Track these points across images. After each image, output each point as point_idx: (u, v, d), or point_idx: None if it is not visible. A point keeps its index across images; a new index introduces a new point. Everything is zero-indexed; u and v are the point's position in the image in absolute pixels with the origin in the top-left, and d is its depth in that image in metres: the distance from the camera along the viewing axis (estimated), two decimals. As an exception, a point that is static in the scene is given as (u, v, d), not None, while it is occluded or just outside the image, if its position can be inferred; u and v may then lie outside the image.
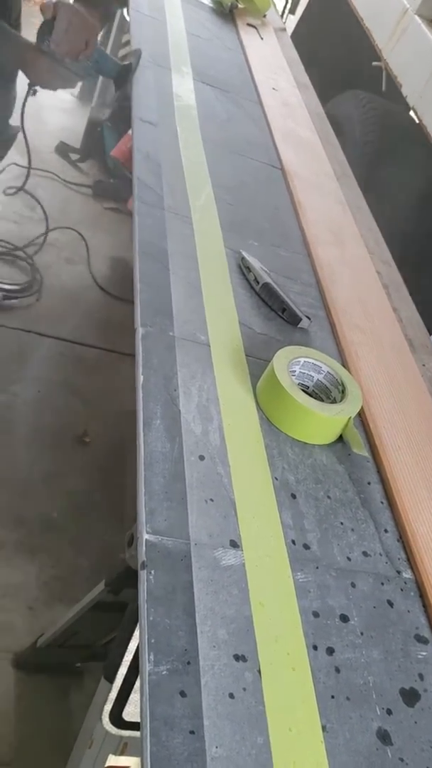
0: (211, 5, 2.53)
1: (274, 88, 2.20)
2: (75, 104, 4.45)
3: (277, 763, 0.68)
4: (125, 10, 3.48)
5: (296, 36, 3.38)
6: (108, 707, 1.04)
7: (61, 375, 2.65)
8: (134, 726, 1.06)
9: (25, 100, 1.85)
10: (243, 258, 1.33)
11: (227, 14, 2.54)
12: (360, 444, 1.04)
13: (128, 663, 1.02)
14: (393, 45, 2.43)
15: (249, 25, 2.57)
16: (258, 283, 1.28)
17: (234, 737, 0.68)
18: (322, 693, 0.75)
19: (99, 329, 2.93)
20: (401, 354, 1.34)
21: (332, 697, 0.76)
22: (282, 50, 2.54)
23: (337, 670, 0.78)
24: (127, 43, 3.61)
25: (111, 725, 1.05)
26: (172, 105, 1.79)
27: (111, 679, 1.03)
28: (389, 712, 0.77)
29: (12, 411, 2.40)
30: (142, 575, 0.77)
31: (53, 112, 4.23)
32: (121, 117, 3.46)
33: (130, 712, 1.05)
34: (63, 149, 3.85)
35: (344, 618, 0.84)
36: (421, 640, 0.86)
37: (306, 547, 0.90)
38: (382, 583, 0.91)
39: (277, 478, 0.96)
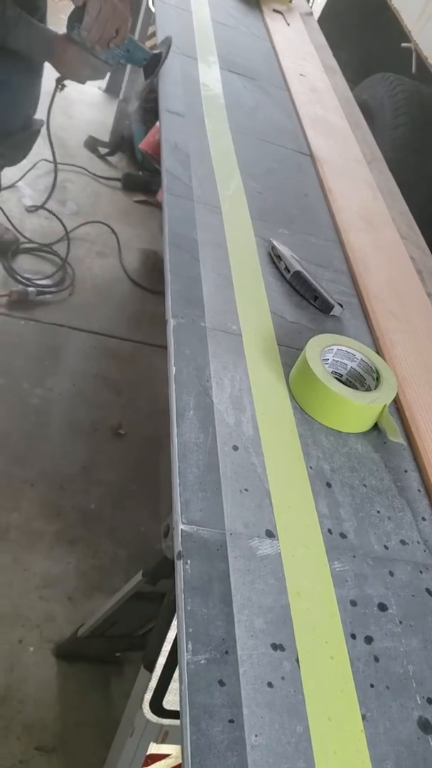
0: (236, -8, 2.51)
1: (301, 74, 2.18)
2: (103, 98, 4.46)
3: (317, 752, 0.68)
4: (150, 1, 3.48)
5: (323, 20, 3.33)
6: (148, 696, 1.05)
7: (96, 368, 2.67)
8: (174, 714, 1.07)
9: (54, 96, 1.84)
10: (273, 246, 1.32)
11: (253, 1, 2.51)
12: (396, 431, 1.03)
13: (167, 653, 1.02)
14: (423, 25, 2.38)
15: (275, 11, 2.55)
16: (289, 271, 1.28)
17: (273, 726, 0.68)
18: (361, 682, 0.75)
19: (132, 322, 2.95)
20: (436, 340, 1.32)
21: (371, 686, 0.75)
22: (309, 35, 2.51)
23: (376, 659, 0.78)
24: (153, 34, 3.60)
25: (151, 714, 1.06)
26: (199, 95, 1.79)
27: (150, 669, 1.04)
28: (430, 701, 0.76)
29: (48, 404, 2.43)
30: (179, 565, 0.77)
31: (81, 106, 4.24)
32: (150, 109, 3.46)
33: (170, 701, 1.06)
34: (92, 143, 3.86)
35: (382, 607, 0.83)
36: (461, 628, 0.85)
37: (342, 536, 0.89)
38: (421, 572, 0.90)
39: (311, 467, 0.96)
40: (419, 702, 0.76)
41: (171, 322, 1.07)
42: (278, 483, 0.91)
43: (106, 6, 1.61)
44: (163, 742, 1.11)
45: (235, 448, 0.93)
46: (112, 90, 4.45)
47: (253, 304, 1.19)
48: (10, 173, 3.28)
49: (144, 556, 2.13)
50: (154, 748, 1.12)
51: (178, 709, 1.05)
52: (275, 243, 1.33)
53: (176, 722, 1.08)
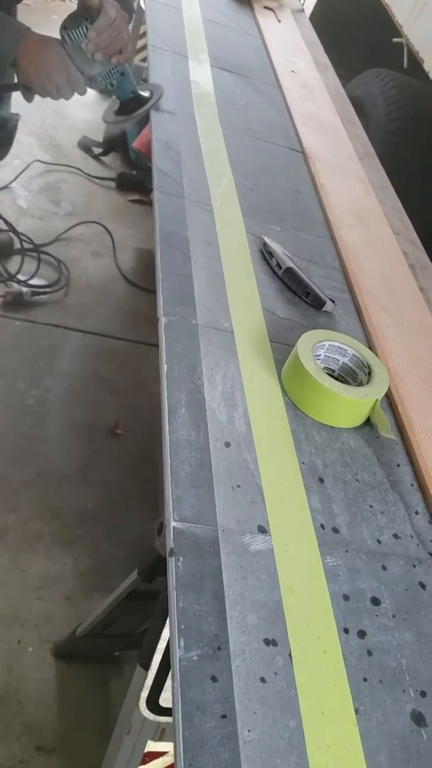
0: (227, -10, 2.51)
1: (293, 71, 2.18)
2: (95, 98, 4.46)
3: (310, 747, 0.68)
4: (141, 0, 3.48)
5: (315, 16, 3.33)
6: (144, 694, 1.05)
7: (92, 368, 2.67)
8: (170, 712, 1.07)
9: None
10: (265, 243, 1.32)
11: (244, -2, 2.52)
12: (387, 426, 1.03)
13: (162, 650, 1.02)
14: (414, 20, 2.38)
15: (266, 7, 2.55)
16: (281, 268, 1.28)
17: (266, 721, 0.68)
18: (354, 676, 0.75)
19: (127, 321, 2.95)
20: (429, 335, 1.32)
21: (365, 680, 0.75)
22: (300, 31, 2.51)
23: (369, 653, 0.78)
24: (144, 34, 3.59)
25: (148, 711, 1.06)
26: (190, 93, 1.79)
27: (146, 667, 1.04)
28: (423, 694, 0.77)
29: (45, 405, 2.43)
30: (171, 562, 0.77)
31: (74, 106, 4.23)
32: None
33: (167, 699, 1.06)
34: (85, 143, 3.86)
35: (375, 601, 0.84)
36: (454, 621, 0.86)
37: (335, 530, 0.89)
38: (414, 566, 0.90)
39: (304, 463, 0.96)
40: (412, 695, 0.76)
41: (162, 320, 1.07)
42: (270, 479, 0.91)
43: (121, 16, 1.44)
44: (160, 739, 1.11)
45: (227, 444, 0.93)
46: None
47: (244, 301, 1.19)
48: (5, 174, 3.29)
49: (140, 554, 2.14)
50: (151, 746, 1.12)
51: (174, 706, 1.05)
52: (267, 240, 1.33)
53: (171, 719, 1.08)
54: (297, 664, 0.74)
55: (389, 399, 1.14)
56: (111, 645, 1.70)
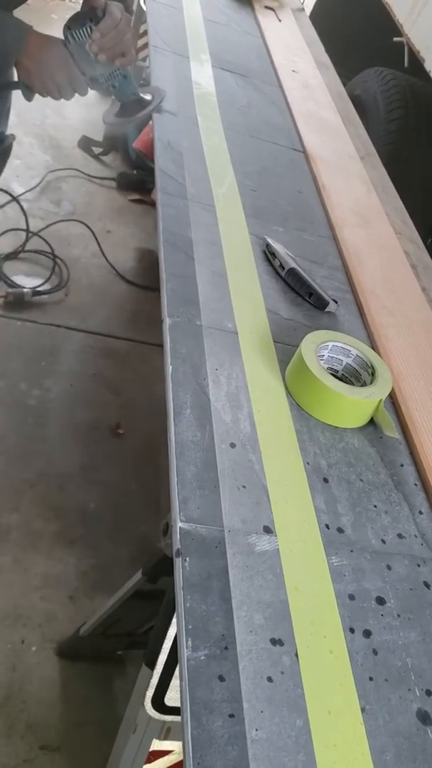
0: (227, -10, 2.51)
1: (293, 71, 2.18)
2: (95, 97, 4.46)
3: (317, 745, 0.68)
4: (141, 0, 3.48)
5: (314, 15, 3.33)
6: (150, 693, 1.06)
7: (93, 368, 2.68)
8: (176, 711, 1.08)
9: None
10: (268, 244, 1.33)
11: (244, -2, 2.52)
12: (392, 426, 1.03)
13: (168, 650, 1.03)
14: (414, 19, 2.39)
15: (266, 7, 2.55)
16: (283, 268, 1.28)
17: (273, 720, 0.69)
18: (360, 675, 0.76)
19: (128, 321, 2.95)
20: (431, 334, 1.33)
21: (370, 679, 0.76)
22: (301, 31, 2.51)
23: (375, 653, 0.78)
24: (144, 33, 3.59)
25: (153, 711, 1.06)
26: (192, 93, 1.79)
27: (152, 666, 1.04)
28: (428, 693, 0.77)
29: (46, 405, 2.43)
30: (178, 562, 0.78)
31: (74, 106, 4.23)
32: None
33: (172, 698, 1.07)
34: (86, 143, 3.86)
35: (380, 600, 0.84)
36: (459, 620, 0.86)
37: (340, 530, 0.90)
38: (418, 565, 0.90)
39: (308, 463, 0.96)
40: (418, 694, 0.76)
41: (167, 321, 1.08)
42: (276, 479, 0.91)
43: (125, 18, 1.42)
44: (165, 738, 1.12)
45: (233, 445, 0.93)
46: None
47: (248, 301, 1.20)
48: (6, 175, 3.29)
49: (145, 555, 2.14)
50: (156, 745, 1.12)
51: (179, 705, 1.05)
52: (270, 240, 1.33)
53: (178, 719, 1.08)
54: (303, 664, 0.74)
55: (392, 399, 1.14)
56: (114, 644, 1.71)
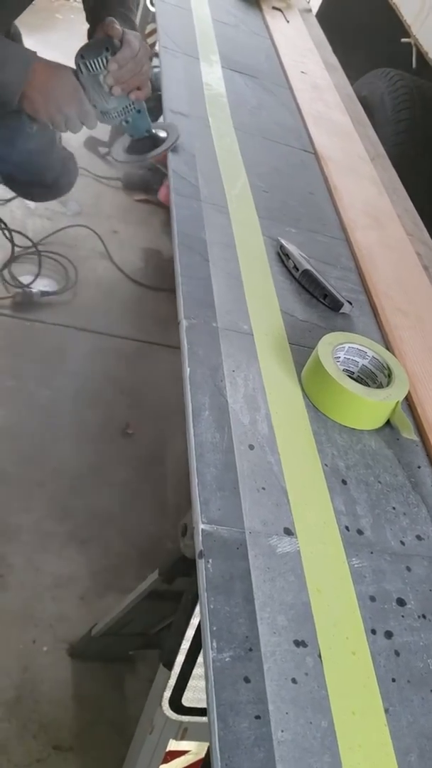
0: (235, -10, 2.51)
1: (302, 72, 2.18)
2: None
3: (342, 746, 0.69)
4: (149, 0, 3.49)
5: (321, 15, 3.33)
6: (167, 694, 1.06)
7: (102, 368, 2.68)
8: (193, 711, 1.08)
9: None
10: (281, 245, 1.33)
11: (252, -2, 2.52)
12: (409, 428, 1.03)
13: (186, 650, 1.03)
14: (423, 20, 2.39)
15: (274, 8, 2.55)
16: (297, 270, 1.28)
17: (299, 721, 0.69)
18: (383, 676, 0.76)
19: (137, 321, 2.95)
20: (445, 335, 1.33)
21: (393, 680, 0.76)
22: (308, 32, 2.52)
23: (397, 654, 0.79)
24: (154, 32, 3.59)
25: (171, 711, 1.07)
26: (202, 94, 1.79)
27: (169, 667, 1.05)
28: (451, 693, 0.77)
29: (56, 405, 2.44)
30: (200, 564, 0.78)
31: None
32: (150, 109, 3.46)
33: (189, 698, 1.07)
34: (92, 143, 3.86)
35: (401, 602, 0.84)
36: None
37: (359, 532, 0.90)
38: (437, 566, 0.91)
39: (327, 465, 0.97)
40: (440, 695, 0.77)
41: (183, 323, 1.08)
42: (295, 481, 0.92)
43: (144, 49, 1.33)
44: (182, 738, 1.12)
45: (251, 447, 0.94)
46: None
47: (263, 303, 1.20)
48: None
49: (155, 555, 2.14)
50: (173, 745, 1.13)
51: (197, 706, 1.06)
52: (283, 242, 1.34)
53: (196, 719, 1.09)
54: (327, 665, 0.75)
55: (408, 401, 1.14)
56: (126, 644, 1.72)
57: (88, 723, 1.71)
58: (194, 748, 1.14)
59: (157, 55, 1.84)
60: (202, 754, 1.14)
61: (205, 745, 1.13)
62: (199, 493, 0.85)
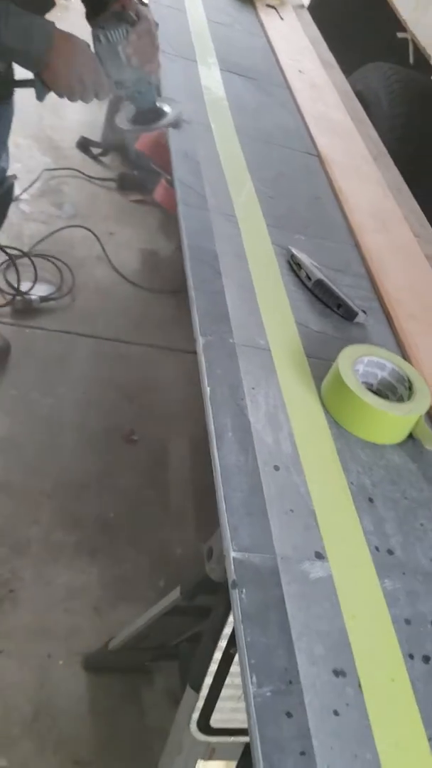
0: (228, -11, 2.48)
1: (300, 71, 2.16)
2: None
3: (388, 779, 0.68)
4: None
5: (312, 9, 3.30)
6: (195, 716, 1.05)
7: (104, 374, 2.66)
8: (222, 732, 1.07)
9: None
10: (292, 255, 1.31)
11: (245, -4, 2.49)
12: (432, 440, 1.02)
13: (213, 672, 1.02)
14: (419, 16, 2.36)
15: (268, 5, 2.52)
16: (310, 279, 1.27)
17: (343, 755, 0.68)
18: (424, 702, 0.75)
19: (137, 324, 2.93)
20: (459, 341, 1.32)
21: (434, 706, 0.75)
22: (303, 28, 2.49)
23: (436, 678, 0.78)
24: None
25: (200, 733, 1.06)
26: (203, 99, 1.77)
27: (198, 689, 1.04)
28: None
29: (60, 413, 2.42)
30: (234, 595, 0.77)
31: (71, 106, 4.19)
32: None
33: (217, 719, 1.06)
34: (84, 144, 3.83)
35: (436, 623, 0.83)
36: None
37: (390, 552, 0.89)
38: (469, 584, 0.90)
39: (353, 483, 0.95)
40: None
41: (200, 341, 1.07)
42: (322, 502, 0.91)
43: (154, 23, 1.40)
44: (210, 759, 1.11)
45: (277, 468, 0.92)
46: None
47: (277, 315, 1.19)
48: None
49: (166, 561, 2.13)
50: (201, 765, 1.12)
51: (225, 726, 1.05)
52: (294, 251, 1.32)
53: (225, 739, 1.08)
54: (367, 694, 0.74)
55: (428, 411, 1.13)
56: (143, 657, 1.71)
57: (107, 736, 1.70)
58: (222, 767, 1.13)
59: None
60: (230, 773, 1.13)
61: (232, 765, 1.12)
62: (228, 519, 0.84)
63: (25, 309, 2.70)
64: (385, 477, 0.98)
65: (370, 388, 1.10)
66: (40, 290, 2.79)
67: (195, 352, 1.07)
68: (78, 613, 1.91)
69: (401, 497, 0.97)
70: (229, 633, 0.99)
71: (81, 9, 1.54)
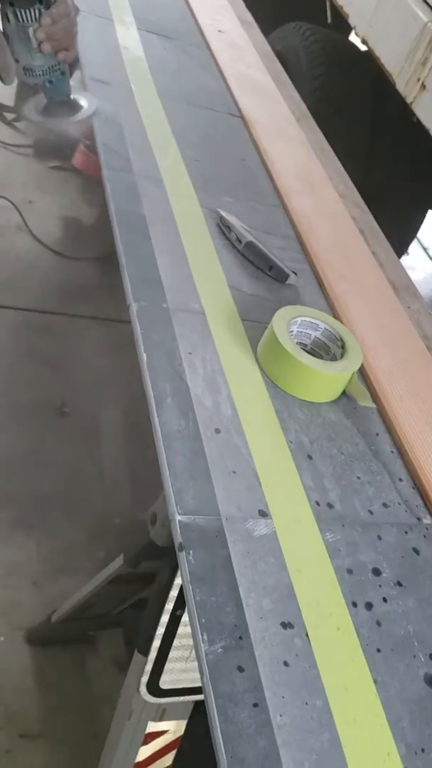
0: None
1: (219, 30, 2.13)
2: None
3: (339, 722, 0.70)
4: None
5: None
6: (145, 679, 1.06)
7: (30, 346, 2.60)
8: (171, 693, 1.09)
9: None
10: (222, 217, 1.31)
11: None
12: (366, 396, 1.05)
13: (161, 636, 1.03)
14: (336, -26, 2.36)
15: (183, -38, 2.46)
16: (240, 242, 1.27)
17: (295, 703, 0.70)
18: (368, 648, 0.78)
19: (60, 294, 2.87)
20: (387, 298, 1.35)
21: (378, 650, 0.78)
22: (221, -13, 2.44)
23: (378, 624, 0.81)
24: None
25: (149, 695, 1.07)
26: (121, 59, 1.73)
27: (145, 653, 1.05)
28: (432, 656, 0.80)
29: (-15, 389, 2.36)
30: (182, 557, 0.77)
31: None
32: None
33: (166, 681, 1.08)
34: (-4, 109, 3.68)
35: (376, 572, 0.86)
36: (450, 582, 0.90)
37: (330, 506, 0.91)
38: (406, 532, 0.93)
39: (291, 441, 0.97)
40: (423, 660, 0.79)
41: (134, 307, 1.05)
42: (263, 461, 0.92)
43: (74, 8, 1.26)
44: (160, 720, 1.13)
45: (217, 431, 0.93)
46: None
47: (210, 279, 1.18)
48: None
49: (103, 533, 2.12)
50: (152, 727, 1.13)
51: (175, 687, 1.07)
52: (223, 213, 1.31)
53: (175, 700, 1.10)
54: (315, 644, 0.76)
55: (360, 369, 1.15)
56: (86, 626, 1.71)
57: (54, 707, 1.70)
58: (172, 728, 1.15)
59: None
60: (181, 732, 1.15)
61: (182, 723, 1.14)
62: (172, 484, 0.84)
63: None
64: (322, 434, 1.00)
65: (305, 348, 1.11)
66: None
67: (122, 321, 1.05)
68: (17, 588, 1.89)
69: (338, 453, 0.99)
70: (176, 596, 1.00)
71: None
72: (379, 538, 0.91)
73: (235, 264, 1.25)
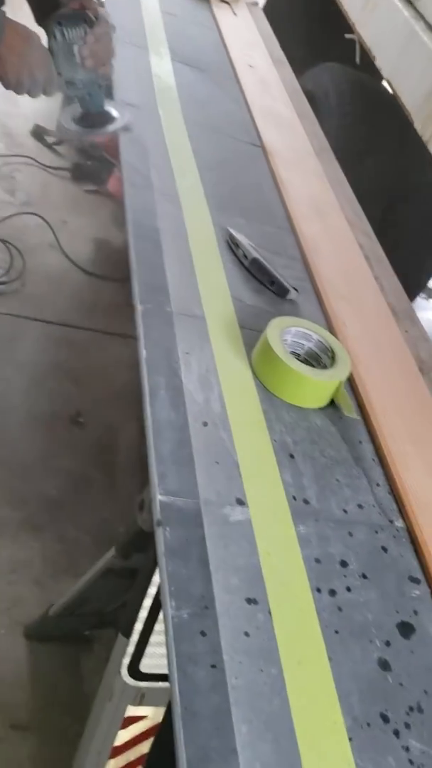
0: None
1: (250, 65, 2.24)
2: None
3: (290, 690, 0.75)
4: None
5: (268, 8, 3.38)
6: (126, 661, 1.12)
7: (53, 358, 2.70)
8: (151, 677, 1.14)
9: None
10: (231, 235, 1.39)
11: (200, -10, 2.56)
12: (350, 407, 1.11)
13: (143, 619, 1.09)
14: (366, 18, 2.47)
15: (222, 0, 2.60)
16: (246, 258, 1.34)
17: (251, 669, 0.76)
18: (327, 629, 0.83)
19: (86, 311, 2.97)
20: (385, 321, 1.41)
21: (336, 632, 0.83)
22: (256, 25, 2.57)
23: (340, 609, 0.86)
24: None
25: (130, 678, 1.12)
26: (152, 86, 1.83)
27: (128, 635, 1.10)
28: (388, 643, 0.85)
29: (6, 396, 2.45)
30: (159, 531, 0.84)
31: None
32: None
33: (147, 665, 1.13)
34: (39, 132, 3.84)
35: (344, 563, 0.92)
36: (414, 580, 0.94)
37: (306, 502, 0.97)
38: (376, 532, 0.98)
39: (275, 440, 1.03)
40: (379, 645, 0.84)
41: (139, 308, 1.13)
42: (246, 455, 0.98)
43: (112, 27, 1.39)
44: (140, 704, 1.18)
45: (205, 424, 0.99)
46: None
47: (214, 289, 1.26)
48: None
49: (108, 540, 2.18)
50: (131, 711, 1.18)
51: (155, 672, 1.12)
52: (232, 231, 1.39)
53: (153, 684, 1.15)
54: (276, 620, 0.81)
55: (351, 382, 1.22)
56: (82, 624, 1.76)
57: (46, 702, 1.75)
58: (151, 714, 1.19)
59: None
60: (159, 719, 1.19)
61: (161, 711, 1.19)
62: (157, 467, 0.91)
63: (-27, 292, 2.72)
64: (306, 437, 1.06)
65: (298, 357, 1.17)
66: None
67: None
68: (20, 585, 1.95)
69: (320, 455, 1.05)
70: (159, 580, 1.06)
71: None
72: (350, 534, 0.96)
73: (240, 278, 1.33)
